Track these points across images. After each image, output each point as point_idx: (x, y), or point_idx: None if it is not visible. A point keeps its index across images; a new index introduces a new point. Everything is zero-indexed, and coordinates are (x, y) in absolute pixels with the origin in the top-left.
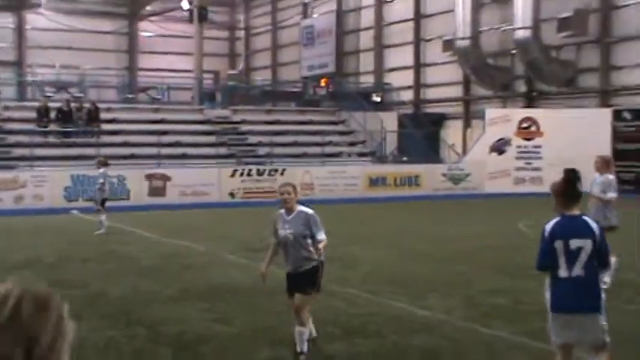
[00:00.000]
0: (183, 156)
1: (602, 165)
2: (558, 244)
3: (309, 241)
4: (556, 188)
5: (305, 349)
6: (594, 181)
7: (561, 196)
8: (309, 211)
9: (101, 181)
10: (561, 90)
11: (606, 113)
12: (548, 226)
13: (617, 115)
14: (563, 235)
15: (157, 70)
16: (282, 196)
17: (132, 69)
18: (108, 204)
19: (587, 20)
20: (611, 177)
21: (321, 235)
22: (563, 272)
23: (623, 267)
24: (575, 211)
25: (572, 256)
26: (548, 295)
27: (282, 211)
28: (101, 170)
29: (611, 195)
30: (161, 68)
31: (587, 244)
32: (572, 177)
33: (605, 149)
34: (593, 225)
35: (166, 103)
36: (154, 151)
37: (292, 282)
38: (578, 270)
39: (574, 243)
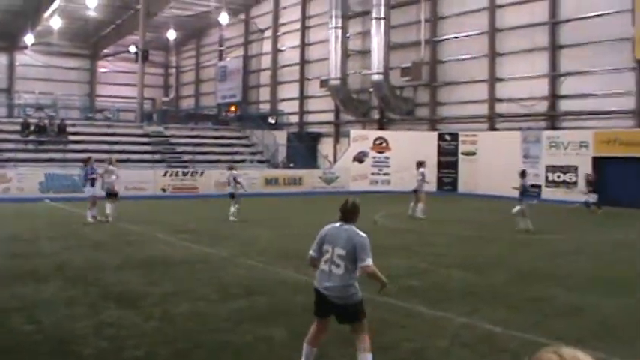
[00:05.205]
0: (128, 160)
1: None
2: None
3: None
4: None
5: None
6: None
7: None
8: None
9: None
10: (403, 118)
11: (434, 135)
12: None
13: (441, 137)
14: None
15: (110, 96)
16: None
17: (91, 95)
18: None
19: (420, 69)
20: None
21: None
22: None
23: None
24: None
25: None
26: None
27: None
28: (232, 172)
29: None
30: (113, 95)
31: None
32: None
33: (433, 161)
34: None
35: (116, 121)
36: (106, 156)
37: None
38: None
39: None
